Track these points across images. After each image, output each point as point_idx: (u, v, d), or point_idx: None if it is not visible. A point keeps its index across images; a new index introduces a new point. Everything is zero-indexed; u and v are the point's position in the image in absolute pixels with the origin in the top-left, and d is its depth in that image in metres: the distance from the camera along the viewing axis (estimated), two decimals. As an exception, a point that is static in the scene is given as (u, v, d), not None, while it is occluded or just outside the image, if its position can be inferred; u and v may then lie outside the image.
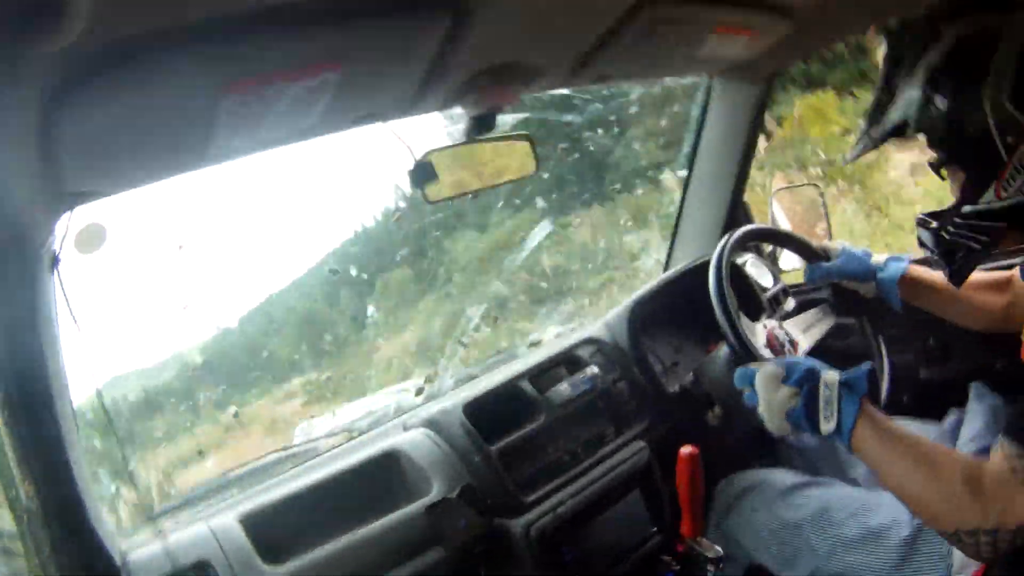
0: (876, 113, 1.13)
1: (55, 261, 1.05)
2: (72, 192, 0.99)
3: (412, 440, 1.57)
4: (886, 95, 1.11)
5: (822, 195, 1.85)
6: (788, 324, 1.55)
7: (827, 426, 1.14)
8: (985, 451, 1.37)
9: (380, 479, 1.52)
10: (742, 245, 1.56)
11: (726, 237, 1.50)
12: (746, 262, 1.81)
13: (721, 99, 1.95)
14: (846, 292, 1.56)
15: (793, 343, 1.52)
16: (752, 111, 1.93)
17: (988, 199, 1.06)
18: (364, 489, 1.48)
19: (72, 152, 0.87)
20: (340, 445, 1.68)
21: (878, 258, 1.52)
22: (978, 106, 1.00)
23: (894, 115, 1.10)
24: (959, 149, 1.08)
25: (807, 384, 1.16)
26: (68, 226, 1.04)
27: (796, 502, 1.55)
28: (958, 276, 1.18)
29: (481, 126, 1.31)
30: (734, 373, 1.27)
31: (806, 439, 1.72)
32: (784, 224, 1.86)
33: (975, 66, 1.00)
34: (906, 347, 1.88)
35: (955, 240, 1.11)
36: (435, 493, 1.45)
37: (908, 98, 1.07)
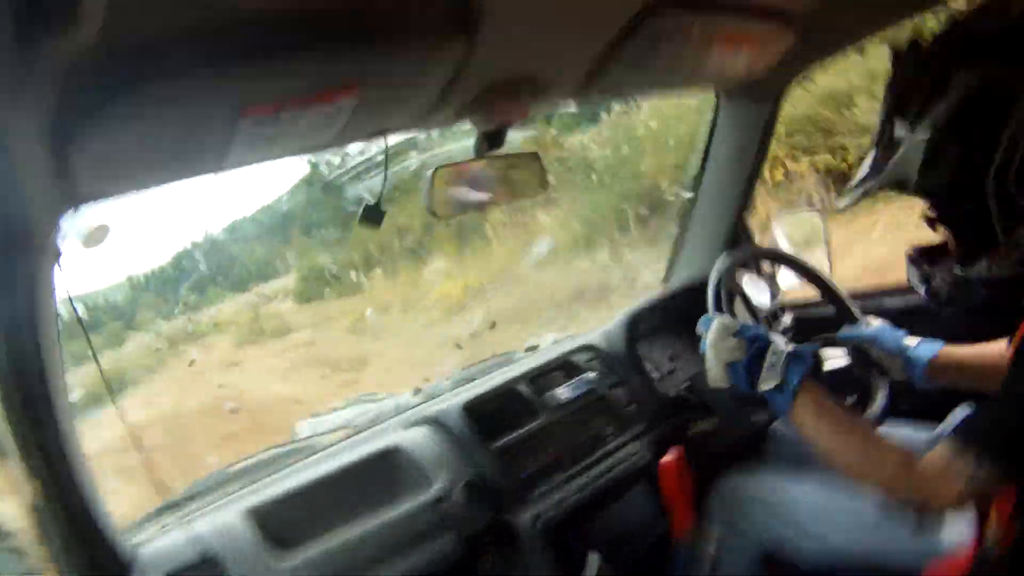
0: (876, 162, 1.10)
1: (59, 258, 1.06)
2: (81, 192, 1.00)
3: (413, 437, 1.59)
4: (887, 145, 1.07)
5: (824, 221, 1.86)
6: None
7: (765, 385, 1.18)
8: None
9: (382, 475, 1.53)
10: (742, 264, 1.58)
11: (726, 255, 1.52)
12: (744, 280, 1.83)
13: (729, 118, 1.95)
14: (868, 359, 1.55)
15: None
16: (759, 130, 1.93)
17: (979, 270, 1.04)
18: (367, 485, 1.50)
19: (84, 157, 0.88)
20: (340, 441, 1.69)
21: (911, 340, 1.49)
22: (980, 181, 0.96)
23: (896, 171, 1.06)
24: (955, 218, 1.06)
25: (756, 344, 1.21)
26: (74, 223, 1.05)
27: (790, 496, 1.57)
28: (946, 327, 1.20)
29: (491, 142, 1.32)
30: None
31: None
32: (786, 248, 1.87)
33: (984, 136, 0.96)
34: None
35: (949, 292, 1.11)
36: (438, 488, 1.47)
37: (911, 155, 1.03)
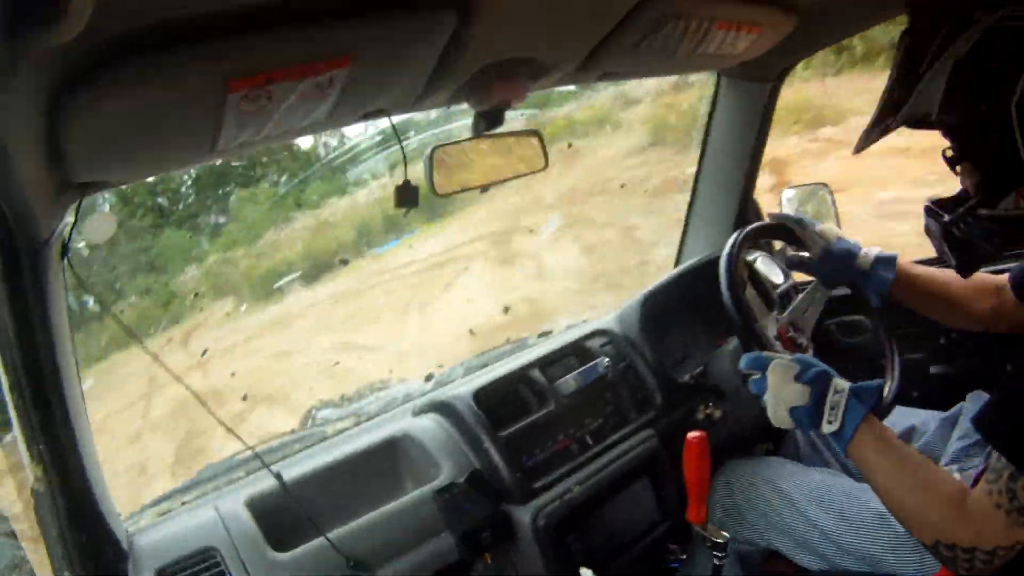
0: (892, 101, 1.06)
1: (64, 249, 1.07)
2: (81, 182, 1.00)
3: (421, 425, 1.58)
4: (905, 83, 1.04)
5: (831, 193, 1.83)
6: (788, 314, 1.55)
7: (829, 428, 1.15)
8: (974, 446, 1.38)
9: (389, 463, 1.53)
10: (753, 241, 1.56)
11: (737, 233, 1.51)
12: (756, 259, 1.80)
13: (730, 97, 1.95)
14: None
15: (804, 335, 1.52)
16: (761, 109, 1.92)
17: (1006, 206, 1.02)
18: (373, 473, 1.50)
19: (79, 145, 0.88)
20: (348, 429, 1.70)
21: (867, 253, 1.47)
22: (1005, 111, 0.94)
23: (916, 107, 1.03)
24: (979, 152, 1.03)
25: (819, 385, 1.17)
26: (78, 214, 1.06)
27: (796, 487, 1.56)
28: (966, 269, 1.15)
29: (489, 122, 1.31)
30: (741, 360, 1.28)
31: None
32: None
33: (1005, 65, 0.94)
34: (918, 345, 1.88)
35: (967, 238, 1.08)
36: (443, 478, 1.46)
37: (931, 89, 1.00)
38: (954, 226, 1.09)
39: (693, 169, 2.09)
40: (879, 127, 1.09)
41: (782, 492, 1.56)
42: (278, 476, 1.38)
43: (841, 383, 1.17)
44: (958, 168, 1.08)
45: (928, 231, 1.16)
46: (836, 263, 1.48)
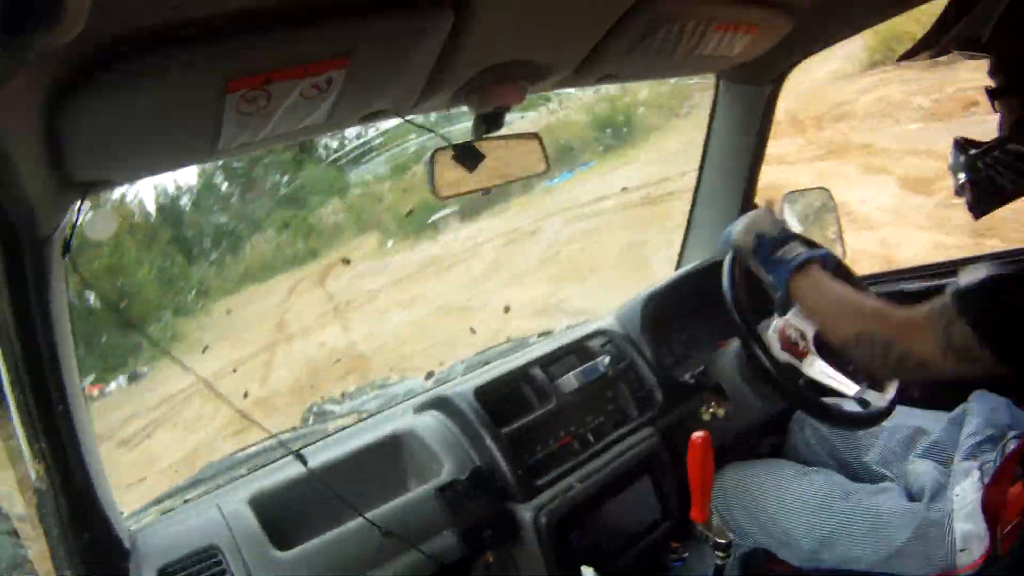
0: (946, 20, 1.05)
1: (66, 247, 1.08)
2: (82, 182, 1.01)
3: (423, 422, 1.59)
4: (962, 4, 1.03)
5: (832, 198, 1.83)
6: (791, 315, 1.55)
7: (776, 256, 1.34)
8: (985, 442, 1.39)
9: (390, 460, 1.54)
10: None
11: None
12: None
13: (729, 101, 1.95)
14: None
15: (804, 337, 1.52)
16: (760, 112, 1.92)
17: None
18: (374, 470, 1.50)
19: (80, 144, 0.89)
20: (350, 426, 1.70)
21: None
22: None
23: (969, 27, 1.02)
24: (1013, 80, 1.03)
25: (785, 235, 1.38)
26: (80, 213, 1.07)
27: (795, 489, 1.56)
28: (979, 208, 1.15)
29: (489, 124, 1.32)
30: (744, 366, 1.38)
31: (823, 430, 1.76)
32: (795, 227, 1.85)
33: None
34: None
35: (989, 173, 1.08)
36: (445, 475, 1.46)
37: (988, 11, 0.99)
38: (980, 159, 1.09)
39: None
40: (932, 44, 1.09)
41: (779, 495, 1.57)
42: (301, 457, 1.37)
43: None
44: (997, 105, 1.08)
45: (951, 167, 1.16)
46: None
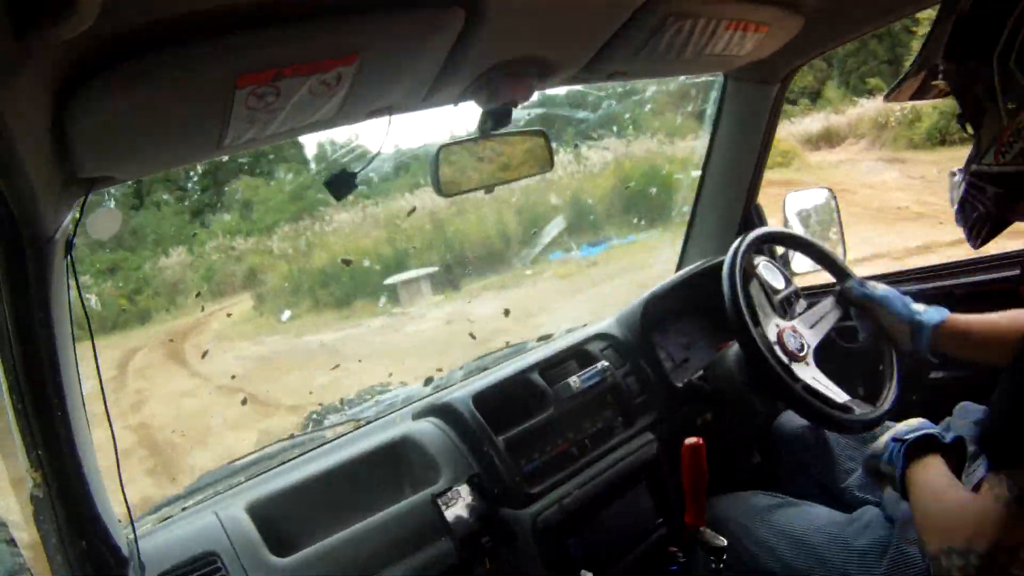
0: (920, 51, 1.10)
1: (69, 246, 1.05)
2: (87, 178, 0.99)
3: (421, 429, 1.57)
4: (929, 35, 1.08)
5: (835, 199, 1.84)
6: (796, 322, 1.55)
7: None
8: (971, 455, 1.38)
9: (388, 467, 1.52)
10: (757, 248, 1.56)
11: (740, 239, 1.50)
12: (759, 264, 1.81)
13: (735, 99, 1.95)
14: (878, 326, 1.55)
15: (804, 345, 1.52)
16: (766, 112, 1.92)
17: (988, 161, 1.03)
18: (372, 477, 1.49)
19: (86, 140, 0.87)
20: (348, 433, 1.68)
21: (919, 306, 1.48)
22: (987, 64, 0.96)
23: (926, 53, 1.08)
24: (968, 105, 1.05)
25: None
26: (83, 210, 1.04)
27: (777, 523, 1.54)
28: (973, 237, 1.14)
29: (496, 121, 1.31)
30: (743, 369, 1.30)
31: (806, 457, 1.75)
32: (798, 228, 1.85)
33: (994, 18, 0.95)
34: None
35: (966, 197, 1.09)
36: (443, 482, 1.45)
37: (938, 37, 1.03)
38: (962, 184, 1.10)
39: None
40: (904, 75, 1.13)
41: (760, 529, 1.55)
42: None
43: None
44: (969, 129, 1.09)
45: (950, 200, 1.16)
46: (899, 301, 1.50)
